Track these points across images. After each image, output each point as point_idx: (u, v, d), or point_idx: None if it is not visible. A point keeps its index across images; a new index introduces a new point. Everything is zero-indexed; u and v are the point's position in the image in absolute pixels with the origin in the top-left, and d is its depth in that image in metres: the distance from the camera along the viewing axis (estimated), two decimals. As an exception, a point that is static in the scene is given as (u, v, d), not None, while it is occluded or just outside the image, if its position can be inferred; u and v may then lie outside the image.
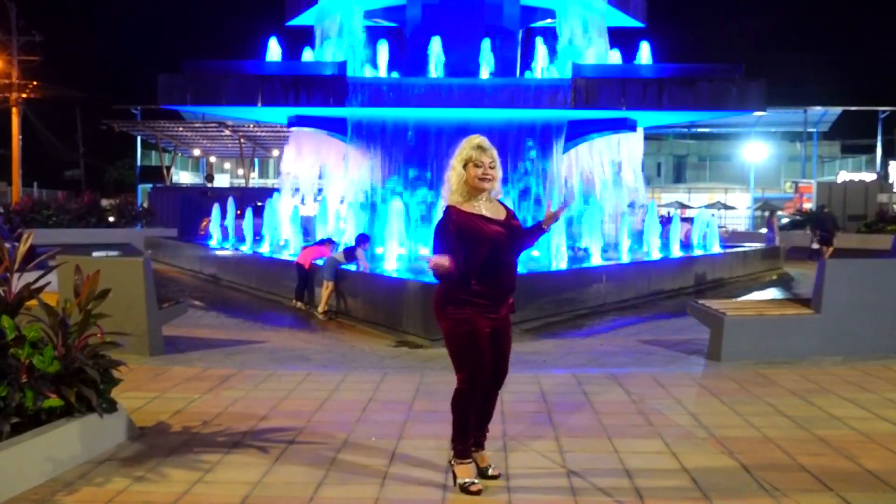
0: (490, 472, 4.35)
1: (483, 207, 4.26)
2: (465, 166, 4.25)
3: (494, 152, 4.30)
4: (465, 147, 4.29)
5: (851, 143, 59.17)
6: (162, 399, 6.12)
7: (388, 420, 5.55)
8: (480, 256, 4.14)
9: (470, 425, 4.26)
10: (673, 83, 15.17)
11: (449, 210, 4.25)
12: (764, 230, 41.60)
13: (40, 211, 30.50)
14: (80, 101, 52.53)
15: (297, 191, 19.32)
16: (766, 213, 27.96)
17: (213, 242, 19.96)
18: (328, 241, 13.23)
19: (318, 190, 19.52)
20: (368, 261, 12.58)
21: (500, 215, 4.30)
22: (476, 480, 4.20)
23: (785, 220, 42.47)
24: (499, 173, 4.30)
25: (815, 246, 22.98)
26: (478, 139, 4.33)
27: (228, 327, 10.80)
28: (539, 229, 4.45)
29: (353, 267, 12.09)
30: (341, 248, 12.85)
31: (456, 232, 4.16)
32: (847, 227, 33.46)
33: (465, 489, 4.15)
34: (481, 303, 4.18)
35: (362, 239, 12.58)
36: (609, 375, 7.07)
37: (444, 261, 4.09)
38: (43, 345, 4.73)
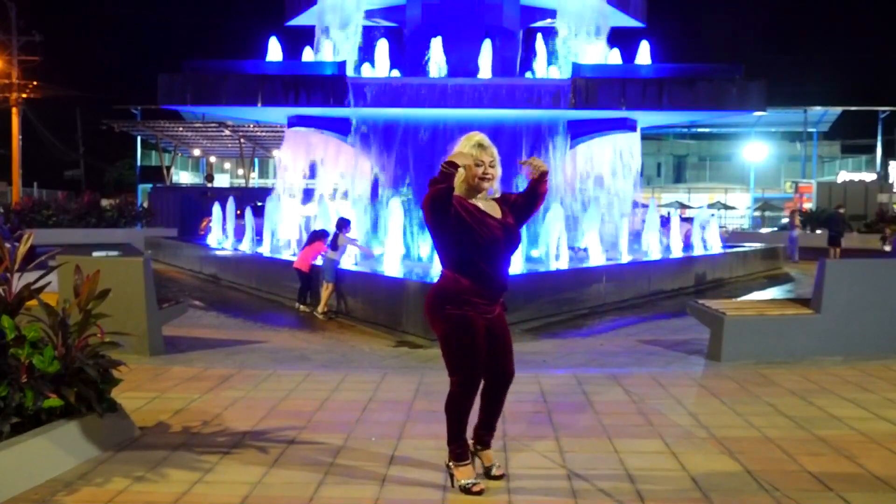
0: (494, 471, 4.34)
1: (481, 205, 4.20)
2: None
3: (495, 150, 4.21)
4: (465, 145, 4.18)
5: (851, 143, 59.21)
6: (162, 399, 6.12)
7: (388, 420, 5.55)
8: (477, 249, 4.08)
9: (464, 428, 4.22)
10: (673, 83, 15.16)
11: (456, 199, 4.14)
12: (765, 230, 41.58)
13: (40, 211, 30.50)
14: (80, 101, 52.59)
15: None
16: (788, 215, 26.14)
17: (212, 242, 19.94)
18: (321, 235, 12.98)
19: (304, 191, 19.45)
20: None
21: (497, 214, 4.23)
22: (478, 481, 4.18)
23: (784, 220, 42.46)
24: (498, 172, 4.22)
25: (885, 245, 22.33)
26: (478, 136, 4.21)
27: (228, 327, 10.80)
28: (535, 185, 4.30)
29: (349, 254, 12.05)
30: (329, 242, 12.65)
31: (458, 218, 4.06)
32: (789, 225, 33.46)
33: (466, 490, 4.12)
34: (478, 302, 4.13)
35: (341, 224, 12.46)
36: (609, 375, 7.08)
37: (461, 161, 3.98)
38: (43, 345, 4.73)
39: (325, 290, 11.72)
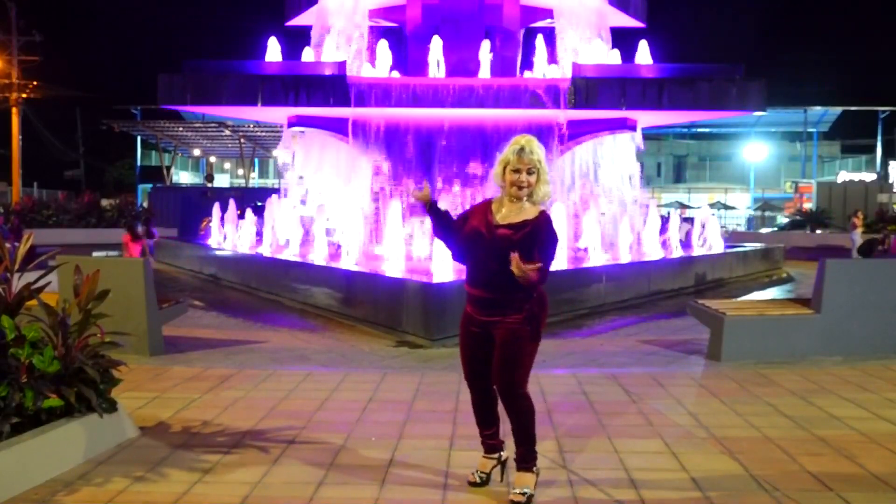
0: (480, 477, 4.28)
1: (510, 210, 4.04)
2: (504, 168, 4.05)
3: (536, 157, 3.98)
4: (508, 148, 4.04)
5: (851, 143, 59.23)
6: (162, 399, 6.12)
7: (388, 420, 5.55)
8: (467, 256, 4.18)
9: (484, 423, 4.33)
10: (673, 83, 15.16)
11: (485, 200, 4.25)
12: (766, 230, 41.52)
13: (40, 211, 30.49)
14: (80, 101, 52.60)
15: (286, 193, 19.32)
16: (851, 217, 24.64)
17: (212, 242, 19.94)
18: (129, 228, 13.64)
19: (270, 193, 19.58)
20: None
21: (511, 219, 4.00)
22: (476, 472, 4.29)
23: (785, 220, 42.44)
24: (542, 177, 4.00)
25: None
26: (522, 140, 4.02)
27: (228, 327, 10.78)
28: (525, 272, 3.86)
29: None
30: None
31: (464, 219, 4.21)
32: (848, 226, 33.52)
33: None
34: (471, 303, 4.21)
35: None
36: (609, 375, 7.08)
37: (422, 192, 4.16)
38: (43, 345, 4.74)
39: None
